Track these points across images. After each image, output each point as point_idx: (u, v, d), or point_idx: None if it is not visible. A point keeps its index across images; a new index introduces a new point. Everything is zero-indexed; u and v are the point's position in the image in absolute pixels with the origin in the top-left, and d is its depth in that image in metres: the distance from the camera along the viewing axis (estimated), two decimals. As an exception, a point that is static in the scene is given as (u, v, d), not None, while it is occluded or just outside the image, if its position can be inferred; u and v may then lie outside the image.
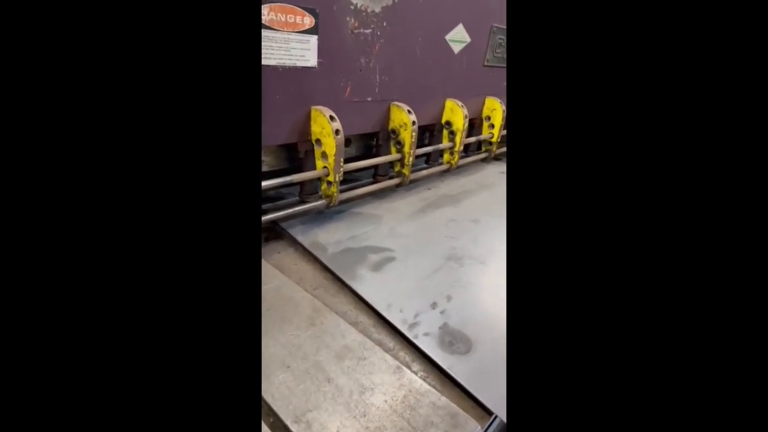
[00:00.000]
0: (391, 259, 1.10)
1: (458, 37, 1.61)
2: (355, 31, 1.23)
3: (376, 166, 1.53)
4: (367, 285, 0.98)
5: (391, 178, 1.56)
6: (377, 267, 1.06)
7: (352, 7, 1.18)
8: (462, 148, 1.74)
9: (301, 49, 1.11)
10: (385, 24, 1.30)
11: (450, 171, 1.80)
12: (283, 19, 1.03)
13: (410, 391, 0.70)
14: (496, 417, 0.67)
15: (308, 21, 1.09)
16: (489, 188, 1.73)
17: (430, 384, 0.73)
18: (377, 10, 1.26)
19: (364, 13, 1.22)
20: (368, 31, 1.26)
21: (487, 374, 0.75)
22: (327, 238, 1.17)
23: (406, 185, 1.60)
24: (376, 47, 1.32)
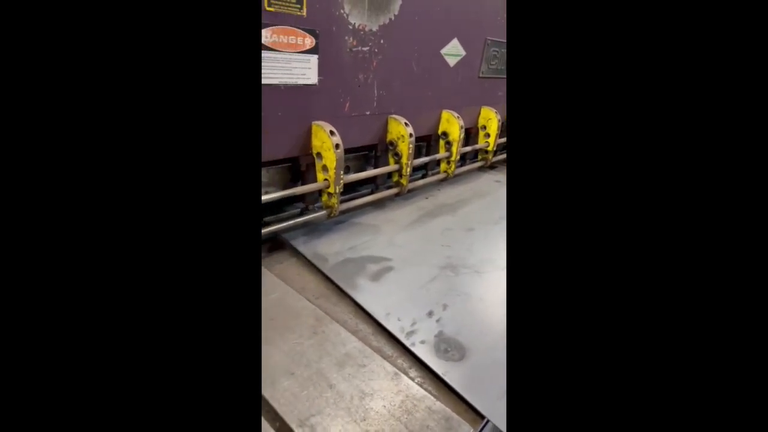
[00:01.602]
0: (389, 269, 1.15)
1: (453, 51, 1.66)
2: (354, 49, 1.28)
3: (374, 177, 1.58)
4: (367, 294, 1.02)
5: (389, 188, 1.61)
6: (376, 277, 1.11)
7: (351, 27, 1.23)
8: (458, 157, 1.79)
9: (302, 68, 1.16)
10: (382, 41, 1.35)
11: (447, 180, 1.85)
12: (285, 41, 1.08)
13: (407, 396, 0.75)
14: (488, 421, 0.71)
15: (309, 42, 1.14)
16: (484, 196, 1.78)
17: (426, 389, 0.77)
18: (375, 28, 1.31)
19: (362, 32, 1.27)
20: (366, 48, 1.32)
21: (480, 380, 0.79)
22: (327, 249, 1.22)
23: (404, 195, 1.65)
24: (374, 63, 1.37)
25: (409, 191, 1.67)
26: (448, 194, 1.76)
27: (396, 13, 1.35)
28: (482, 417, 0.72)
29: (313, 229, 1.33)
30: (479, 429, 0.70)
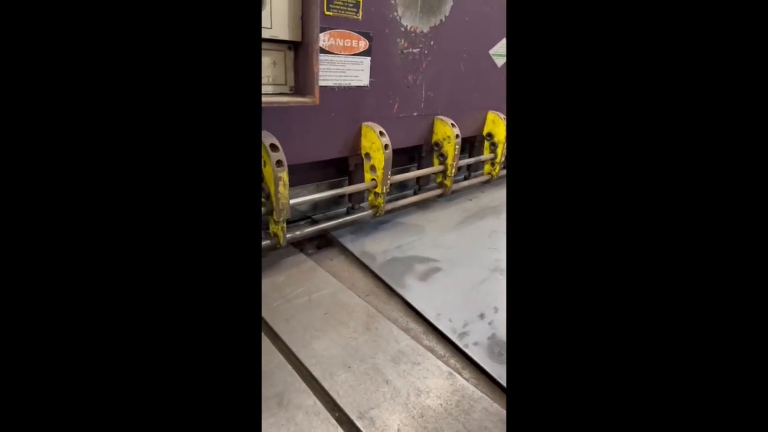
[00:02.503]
0: (436, 270, 1.15)
1: (501, 51, 1.64)
2: (405, 51, 1.29)
3: (417, 177, 1.58)
4: (416, 294, 1.03)
5: (432, 189, 1.61)
6: (424, 276, 1.11)
7: (403, 29, 1.25)
8: (503, 159, 1.76)
9: (356, 70, 1.19)
10: (432, 43, 1.36)
11: (490, 182, 1.83)
12: (341, 44, 1.12)
13: (463, 396, 0.74)
14: (547, 427, 0.70)
15: (363, 44, 1.17)
16: (530, 199, 1.73)
17: (481, 391, 0.77)
18: (425, 30, 1.32)
19: (413, 34, 1.29)
20: (416, 50, 1.33)
21: (537, 385, 0.78)
22: (375, 248, 1.24)
23: (447, 196, 1.64)
24: (423, 65, 1.38)
25: (452, 192, 1.66)
26: (491, 196, 1.73)
27: (447, 14, 1.35)
28: (541, 423, 0.71)
29: (359, 228, 1.36)
30: (539, 435, 0.69)
